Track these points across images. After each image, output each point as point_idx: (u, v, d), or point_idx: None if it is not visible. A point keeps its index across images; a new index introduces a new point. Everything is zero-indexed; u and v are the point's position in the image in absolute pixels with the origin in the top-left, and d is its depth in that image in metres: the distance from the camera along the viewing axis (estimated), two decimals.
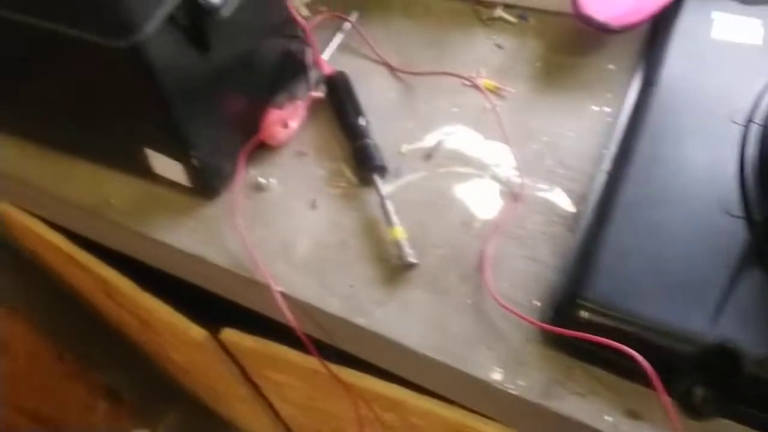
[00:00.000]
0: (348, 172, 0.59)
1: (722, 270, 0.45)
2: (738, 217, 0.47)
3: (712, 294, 0.44)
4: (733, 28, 0.59)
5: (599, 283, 0.46)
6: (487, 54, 0.67)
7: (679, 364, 0.44)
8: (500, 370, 0.47)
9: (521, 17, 0.69)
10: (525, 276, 0.51)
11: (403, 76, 0.66)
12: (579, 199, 0.55)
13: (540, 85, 0.63)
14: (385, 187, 0.57)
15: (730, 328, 0.42)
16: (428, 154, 0.60)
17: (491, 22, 0.69)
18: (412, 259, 0.52)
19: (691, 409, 0.44)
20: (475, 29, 0.69)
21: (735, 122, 0.51)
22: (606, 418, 0.45)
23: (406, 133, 0.61)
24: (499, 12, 0.69)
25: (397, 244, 0.52)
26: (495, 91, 0.63)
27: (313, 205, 0.58)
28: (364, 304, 0.51)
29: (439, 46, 0.68)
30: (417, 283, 0.52)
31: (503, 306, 0.49)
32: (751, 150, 0.49)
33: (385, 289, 0.52)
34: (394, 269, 0.53)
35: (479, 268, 0.52)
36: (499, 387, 0.47)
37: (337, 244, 0.55)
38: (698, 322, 0.43)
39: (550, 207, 0.55)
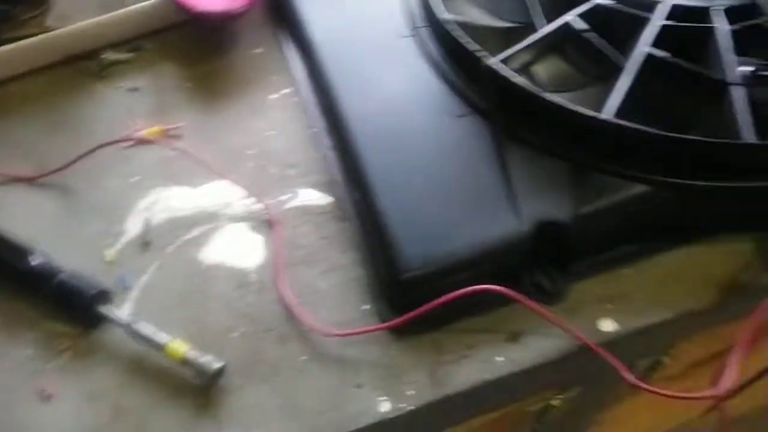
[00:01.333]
0: (62, 328, 0.44)
1: (489, 166, 0.44)
2: (465, 115, 0.47)
3: (497, 191, 0.43)
4: None
5: (406, 247, 0.42)
6: (127, 103, 0.55)
7: (516, 266, 0.43)
8: (383, 397, 0.40)
9: (135, 50, 0.59)
10: (335, 291, 0.45)
11: (48, 180, 0.51)
12: (328, 186, 0.49)
13: (206, 104, 0.55)
14: (121, 311, 0.43)
15: (534, 208, 0.42)
16: (144, 242, 0.47)
17: (107, 71, 0.58)
18: (215, 365, 0.41)
19: (548, 295, 0.44)
20: (95, 87, 0.57)
21: (404, 36, 0.50)
22: (498, 359, 0.42)
23: (99, 237, 0.48)
24: (108, 56, 0.58)
25: (185, 362, 0.41)
26: (165, 135, 0.53)
27: (45, 396, 0.41)
28: None
29: (68, 127, 0.54)
30: (238, 384, 0.41)
31: (339, 335, 0.42)
32: (434, 50, 0.49)
33: (207, 421, 0.40)
34: (201, 391, 0.41)
35: (289, 317, 0.43)
36: (397, 413, 0.40)
37: (109, 422, 0.40)
38: (506, 221, 0.42)
39: (308, 210, 0.48)
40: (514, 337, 0.43)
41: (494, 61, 0.44)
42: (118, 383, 0.42)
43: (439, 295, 0.40)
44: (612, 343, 0.42)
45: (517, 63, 0.50)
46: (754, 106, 0.44)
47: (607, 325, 0.43)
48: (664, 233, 0.45)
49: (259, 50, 0.58)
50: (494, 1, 0.52)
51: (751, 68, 0.42)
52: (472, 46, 0.45)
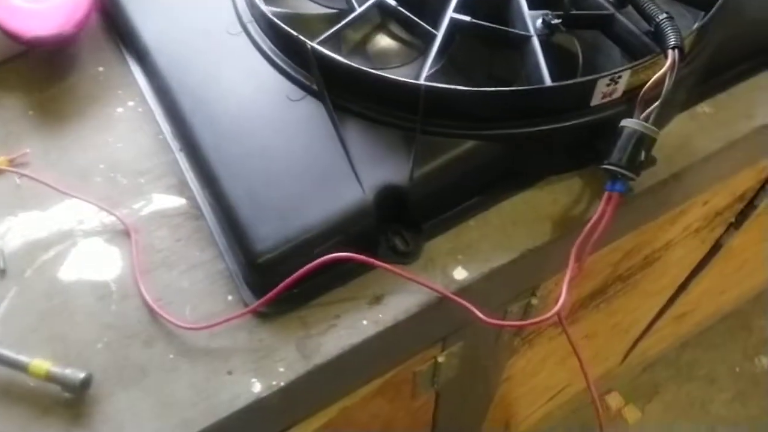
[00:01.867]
0: None
1: (329, 142, 0.46)
2: (301, 99, 0.49)
3: (339, 165, 0.45)
4: None
5: (258, 231, 0.43)
6: None
7: (370, 232, 0.45)
8: (254, 379, 0.41)
9: None
10: (199, 288, 0.45)
11: None
12: (180, 188, 0.50)
13: (51, 127, 0.54)
14: None
15: (374, 176, 0.44)
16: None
17: None
18: (79, 375, 0.40)
19: (404, 255, 0.46)
20: None
21: (231, 33, 0.52)
22: (364, 322, 0.44)
23: None
24: None
25: (50, 378, 0.40)
26: (11, 164, 0.52)
27: None
28: None
29: None
30: (109, 392, 0.41)
31: (203, 328, 0.43)
32: (264, 42, 0.51)
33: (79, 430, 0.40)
34: (73, 404, 0.41)
35: (153, 319, 0.44)
36: (270, 391, 0.41)
37: None
38: (350, 192, 0.44)
39: (164, 214, 0.49)
40: (377, 299, 0.45)
41: (315, 44, 0.46)
42: None
43: (293, 272, 0.42)
44: (465, 289, 0.45)
45: (350, 44, 0.53)
46: (560, 50, 0.49)
47: (459, 274, 0.46)
48: (500, 183, 0.49)
49: (101, 68, 0.58)
50: None
51: (540, 21, 0.46)
52: (295, 32, 0.47)
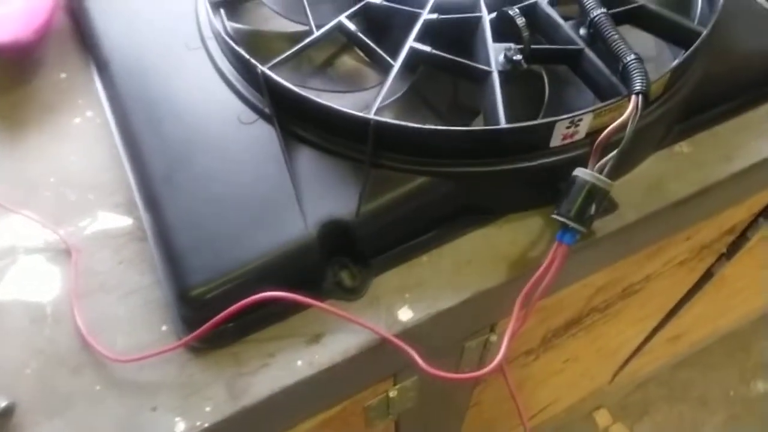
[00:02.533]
0: None
1: (277, 170, 0.44)
2: (253, 122, 0.47)
3: (285, 195, 0.43)
4: None
5: (193, 262, 0.42)
6: None
7: (315, 266, 0.43)
8: (178, 417, 0.40)
9: None
10: (134, 315, 0.44)
11: None
12: (129, 206, 0.48)
13: (5, 136, 0.53)
14: None
15: (320, 209, 0.42)
16: None
17: None
18: (2, 403, 0.40)
19: (349, 291, 0.44)
20: None
21: (190, 48, 0.50)
22: (298, 363, 0.42)
23: None
24: None
25: None
26: None
27: None
28: None
29: None
30: (34, 421, 0.40)
31: (131, 361, 0.41)
32: (221, 61, 0.49)
33: None
34: None
35: (84, 347, 0.43)
36: None
37: None
38: (293, 225, 0.42)
39: (108, 234, 0.48)
40: (316, 338, 0.43)
41: (267, 68, 0.44)
42: None
43: (226, 308, 0.40)
44: (409, 331, 0.44)
45: (314, 64, 0.51)
46: (529, 81, 0.46)
47: (405, 314, 0.44)
48: (457, 218, 0.47)
49: (64, 74, 0.57)
50: (285, 7, 0.52)
51: (502, 55, 0.43)
52: (246, 54, 0.45)
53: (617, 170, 0.40)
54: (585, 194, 0.38)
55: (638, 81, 0.40)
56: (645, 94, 0.39)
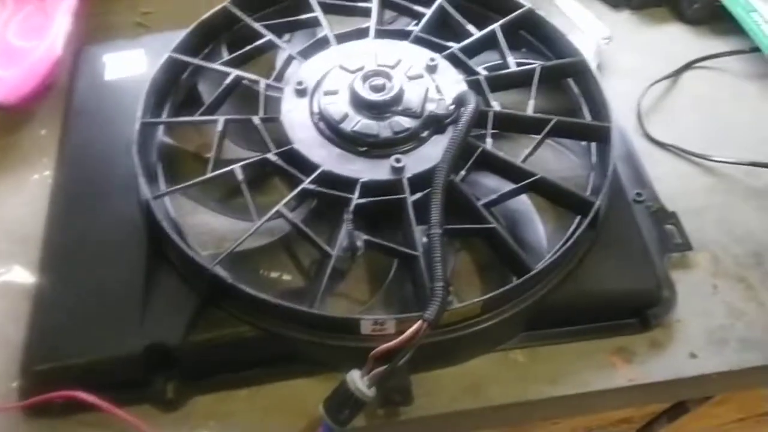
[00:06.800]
0: None
1: (140, 282, 0.51)
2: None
3: (134, 307, 0.50)
4: (123, 65, 0.66)
5: (43, 337, 0.50)
6: None
7: (135, 375, 0.50)
8: None
9: None
10: None
11: None
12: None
13: None
14: None
15: (152, 332, 0.49)
16: None
17: None
18: None
19: (166, 403, 0.51)
20: None
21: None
22: None
23: None
24: None
25: None
26: None
27: None
28: None
29: None
30: None
31: None
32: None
33: None
34: None
35: None
36: None
37: None
38: (124, 338, 0.49)
39: (11, 287, 0.56)
40: None
41: (152, 197, 0.52)
42: None
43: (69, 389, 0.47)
44: None
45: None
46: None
47: None
48: (282, 363, 0.52)
49: (44, 131, 0.66)
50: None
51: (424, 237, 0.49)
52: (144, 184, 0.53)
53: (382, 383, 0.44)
54: (342, 397, 0.43)
55: (430, 309, 0.44)
56: (430, 323, 0.43)
